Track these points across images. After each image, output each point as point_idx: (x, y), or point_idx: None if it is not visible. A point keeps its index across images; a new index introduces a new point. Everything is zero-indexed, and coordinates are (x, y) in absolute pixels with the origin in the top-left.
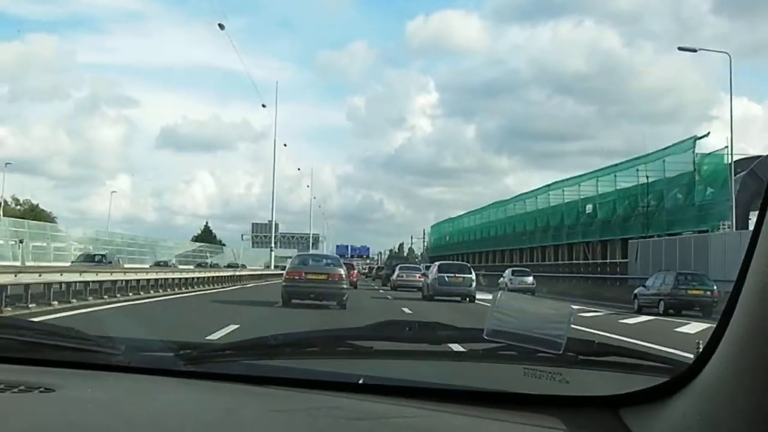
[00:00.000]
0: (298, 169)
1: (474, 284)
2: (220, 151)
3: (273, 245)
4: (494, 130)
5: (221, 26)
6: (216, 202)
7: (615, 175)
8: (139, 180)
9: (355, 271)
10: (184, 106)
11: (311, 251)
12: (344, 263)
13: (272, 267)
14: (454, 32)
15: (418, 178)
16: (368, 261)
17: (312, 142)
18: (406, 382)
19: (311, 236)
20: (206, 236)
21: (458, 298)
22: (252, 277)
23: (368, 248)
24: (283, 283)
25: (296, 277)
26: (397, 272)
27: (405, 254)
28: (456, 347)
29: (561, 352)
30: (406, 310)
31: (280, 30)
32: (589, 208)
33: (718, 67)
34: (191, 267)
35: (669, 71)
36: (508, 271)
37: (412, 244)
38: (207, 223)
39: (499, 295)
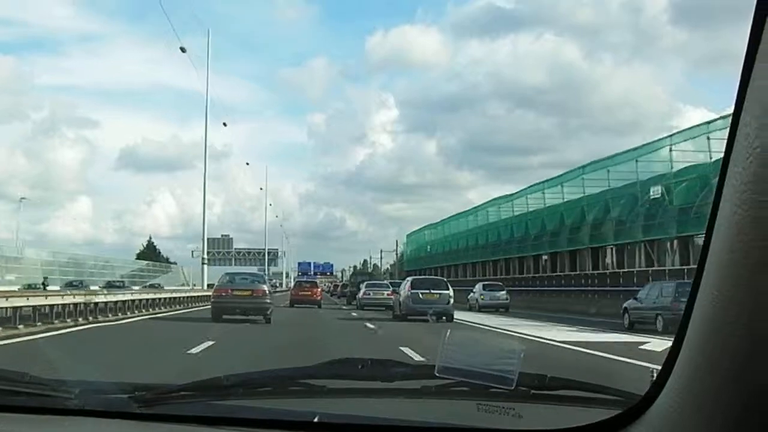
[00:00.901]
0: (260, 189)
1: (451, 301)
2: (180, 171)
3: (204, 257)
4: (456, 145)
5: (183, 49)
6: (177, 222)
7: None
8: (100, 201)
9: (318, 289)
10: (144, 127)
11: (242, 271)
12: (307, 281)
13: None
14: (413, 47)
15: (380, 194)
16: (333, 278)
17: (273, 161)
18: (361, 419)
19: (266, 252)
20: (150, 254)
21: (432, 318)
22: (194, 299)
23: (332, 265)
24: (212, 300)
25: (223, 294)
26: (363, 290)
27: (370, 270)
28: (410, 384)
29: (513, 387)
30: (378, 331)
31: (239, 48)
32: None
33: (676, 77)
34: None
35: (628, 83)
36: (478, 286)
37: (381, 258)
38: (150, 238)
39: (449, 332)
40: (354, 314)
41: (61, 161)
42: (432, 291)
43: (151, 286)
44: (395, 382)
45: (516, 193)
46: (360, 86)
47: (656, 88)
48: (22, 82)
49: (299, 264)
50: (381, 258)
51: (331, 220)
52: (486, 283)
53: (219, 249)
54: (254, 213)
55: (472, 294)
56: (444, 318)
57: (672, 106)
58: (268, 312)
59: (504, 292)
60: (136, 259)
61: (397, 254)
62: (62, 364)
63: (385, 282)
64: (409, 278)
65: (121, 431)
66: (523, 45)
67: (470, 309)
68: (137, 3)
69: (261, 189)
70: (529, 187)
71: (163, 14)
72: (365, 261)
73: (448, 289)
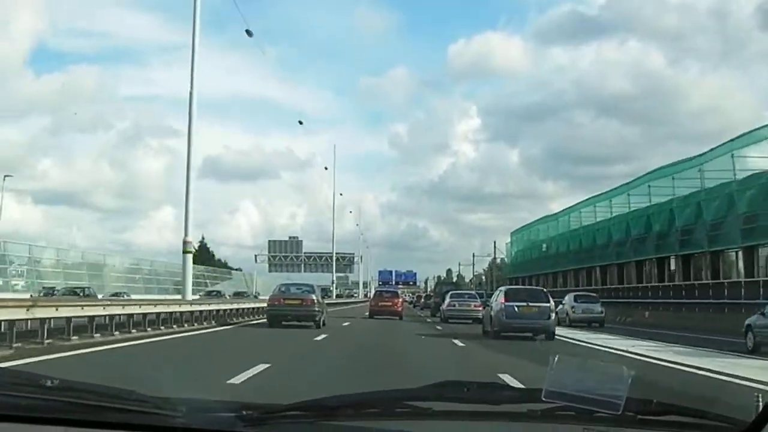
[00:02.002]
0: (341, 194)
1: (553, 316)
2: (263, 180)
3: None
4: (538, 155)
5: (249, 33)
6: (259, 232)
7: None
8: (183, 210)
9: (400, 300)
10: (227, 136)
11: (296, 282)
12: (388, 291)
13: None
14: (495, 55)
15: (463, 204)
16: (415, 288)
17: (354, 171)
18: None
19: (333, 256)
20: (203, 256)
21: (529, 335)
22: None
23: (415, 274)
24: (267, 308)
25: (276, 303)
26: (447, 300)
27: (454, 280)
28: (515, 407)
29: (619, 412)
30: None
31: (320, 57)
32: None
33: (766, 85)
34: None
35: (715, 90)
36: (569, 297)
37: (472, 266)
38: (203, 239)
39: (557, 357)
40: (438, 328)
41: (144, 170)
42: (530, 303)
43: (210, 294)
44: (501, 405)
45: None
46: (442, 95)
47: (744, 96)
48: (105, 91)
49: (380, 272)
50: (473, 265)
51: (413, 230)
52: (578, 293)
53: (286, 253)
54: (337, 222)
55: (561, 306)
56: (543, 336)
57: (760, 114)
58: (317, 318)
59: (599, 305)
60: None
61: (494, 259)
62: None
63: (473, 292)
64: (503, 288)
65: None
66: (607, 52)
67: (559, 323)
68: (218, 13)
69: (341, 195)
70: (633, 180)
71: (244, 23)
72: (449, 270)
73: (548, 302)
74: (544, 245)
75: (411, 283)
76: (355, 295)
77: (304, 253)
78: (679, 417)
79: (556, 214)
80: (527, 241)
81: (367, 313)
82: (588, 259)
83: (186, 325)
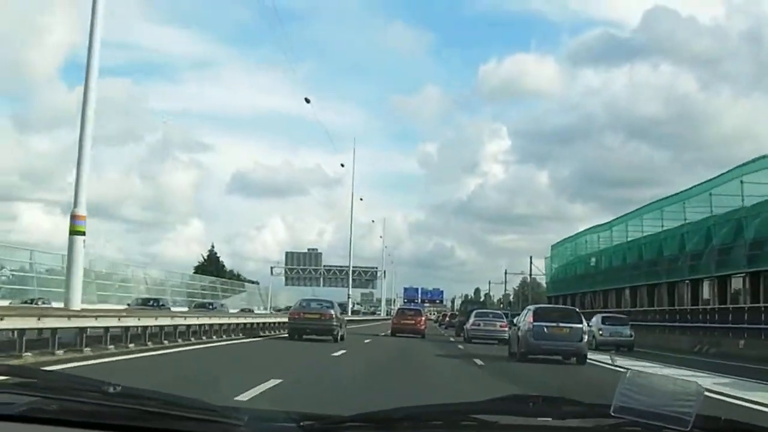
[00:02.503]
0: (372, 221)
1: (585, 338)
2: (292, 196)
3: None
4: (568, 177)
5: (307, 100)
6: (285, 248)
7: None
8: (211, 224)
9: (423, 318)
10: (256, 152)
11: (316, 298)
12: (411, 308)
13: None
14: (527, 76)
15: (490, 224)
16: (442, 307)
17: (383, 189)
18: None
19: (350, 270)
20: (211, 267)
21: (559, 357)
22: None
23: (442, 292)
24: (288, 321)
25: (296, 317)
26: (472, 320)
27: (482, 299)
28: (582, 422)
29: (689, 429)
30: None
31: (350, 74)
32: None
33: None
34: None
35: (747, 115)
36: (596, 319)
37: (489, 290)
38: (212, 247)
39: (628, 373)
40: (460, 347)
41: (174, 184)
42: (560, 324)
43: (204, 306)
44: (567, 420)
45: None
46: (472, 115)
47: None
48: (136, 104)
49: (405, 290)
50: (504, 283)
51: (440, 249)
52: (605, 315)
53: (304, 266)
54: (364, 240)
55: (589, 328)
56: (575, 359)
57: None
58: (335, 332)
59: (628, 328)
60: (194, 273)
61: (528, 277)
62: None
63: (499, 311)
64: (531, 307)
65: None
66: (640, 75)
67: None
68: (250, 30)
69: (373, 221)
70: (684, 191)
71: (276, 41)
72: (477, 290)
73: (581, 323)
74: (593, 259)
75: (437, 301)
76: (378, 312)
77: (324, 266)
78: None
79: (609, 222)
80: (571, 255)
81: (389, 331)
82: (649, 275)
83: (193, 338)
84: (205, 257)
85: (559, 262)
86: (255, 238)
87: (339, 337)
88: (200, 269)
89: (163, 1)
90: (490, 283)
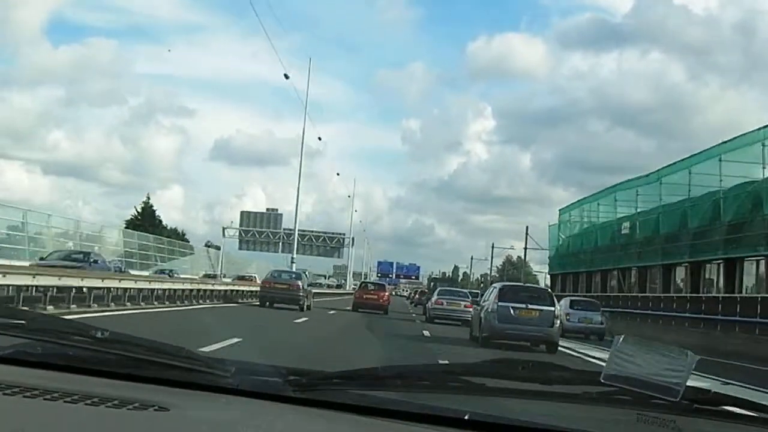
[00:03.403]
0: (348, 196)
1: (557, 323)
2: (273, 166)
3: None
4: (551, 160)
5: (286, 76)
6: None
7: None
8: (191, 191)
9: (386, 294)
10: (239, 120)
11: (285, 269)
12: (374, 283)
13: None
14: (515, 56)
15: (471, 204)
16: (418, 284)
17: (364, 163)
18: (514, 421)
19: (296, 233)
20: (146, 223)
21: (527, 343)
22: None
23: (418, 267)
24: (259, 290)
25: (267, 286)
26: (434, 297)
27: (459, 278)
28: (570, 389)
29: (677, 399)
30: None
31: (336, 49)
32: None
33: None
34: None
35: (735, 107)
36: (564, 302)
37: (470, 267)
38: (148, 199)
39: (620, 338)
40: (426, 333)
41: (155, 148)
42: (530, 306)
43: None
44: (556, 385)
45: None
46: (458, 93)
47: (764, 114)
48: (122, 66)
49: (379, 263)
50: (491, 258)
51: (419, 226)
52: (575, 299)
53: (261, 228)
54: (344, 214)
55: (560, 312)
56: (545, 346)
57: None
58: (301, 302)
59: (599, 314)
60: (125, 228)
61: (525, 251)
62: None
63: (464, 290)
64: (497, 284)
65: (276, 413)
66: (629, 61)
67: None
68: None
69: (349, 197)
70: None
71: (264, 10)
72: (455, 267)
73: (553, 305)
74: (625, 225)
75: (413, 277)
76: (341, 285)
77: (284, 229)
78: (736, 408)
79: (657, 172)
80: (588, 223)
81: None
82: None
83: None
84: (139, 210)
85: (570, 230)
86: (235, 206)
87: (305, 307)
88: (132, 224)
89: None
90: (472, 258)
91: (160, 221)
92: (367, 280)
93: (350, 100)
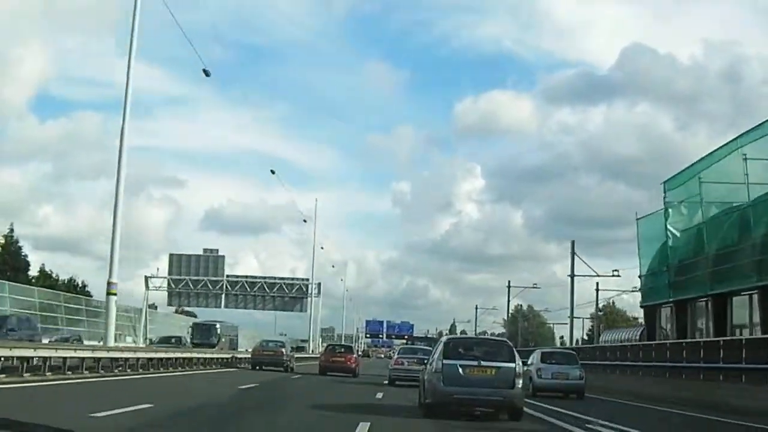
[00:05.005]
0: (333, 267)
1: (519, 382)
2: (264, 233)
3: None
4: (542, 216)
5: (273, 172)
6: None
7: None
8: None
9: (353, 356)
10: (230, 189)
11: (270, 339)
12: (341, 345)
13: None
14: (503, 114)
15: (465, 264)
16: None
17: (356, 227)
18: None
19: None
20: (5, 265)
21: (488, 409)
22: None
23: (412, 326)
24: (251, 356)
25: (257, 354)
26: (394, 357)
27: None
28: None
29: None
30: None
31: (324, 115)
32: None
33: None
34: None
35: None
36: (535, 355)
37: (476, 320)
38: (11, 231)
39: None
40: (378, 396)
41: (146, 220)
42: (482, 363)
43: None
44: None
45: None
46: (447, 154)
47: (754, 164)
48: (109, 140)
49: (368, 322)
50: (507, 304)
51: (413, 288)
52: (546, 351)
53: (197, 276)
54: (337, 280)
55: (525, 368)
56: (507, 411)
57: None
58: (285, 365)
59: (577, 368)
60: None
61: (508, 303)
62: None
63: (429, 348)
64: (445, 337)
65: None
66: (617, 114)
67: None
68: (224, 69)
69: (333, 267)
70: None
71: (249, 80)
72: (453, 325)
73: (513, 361)
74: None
75: (406, 336)
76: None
77: (227, 277)
78: None
79: None
80: (721, 203)
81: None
82: None
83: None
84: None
85: (689, 220)
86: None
87: (290, 368)
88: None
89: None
90: (477, 309)
91: (25, 256)
92: (333, 342)
93: (340, 165)
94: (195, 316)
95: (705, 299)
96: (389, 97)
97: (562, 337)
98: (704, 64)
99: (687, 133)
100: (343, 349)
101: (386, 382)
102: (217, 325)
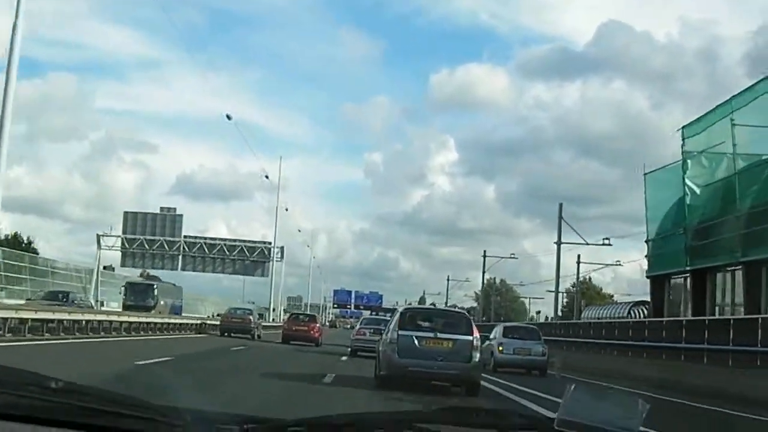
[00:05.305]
0: (299, 231)
1: (476, 356)
2: (236, 200)
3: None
4: (515, 191)
5: (228, 117)
6: None
7: None
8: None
9: (317, 325)
10: (201, 155)
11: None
12: (304, 314)
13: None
14: (478, 87)
15: (435, 237)
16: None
17: (328, 197)
18: None
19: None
20: None
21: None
22: None
23: (381, 296)
24: (220, 323)
25: (225, 321)
26: (357, 327)
27: (429, 305)
28: None
29: None
30: None
31: (299, 83)
32: None
33: None
34: None
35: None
36: (498, 330)
37: (447, 292)
38: None
39: (572, 386)
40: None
41: (117, 184)
42: (439, 335)
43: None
44: None
45: None
46: (421, 126)
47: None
48: (82, 102)
49: (335, 292)
50: (482, 275)
51: (384, 260)
52: (509, 325)
53: (153, 235)
54: (305, 249)
55: (487, 343)
56: (465, 386)
57: None
58: (252, 332)
59: (540, 345)
60: None
61: (484, 276)
62: None
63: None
64: (401, 308)
65: None
66: (592, 90)
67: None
68: (198, 33)
69: (299, 231)
70: None
71: (222, 45)
72: (422, 298)
73: (470, 333)
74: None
75: (375, 306)
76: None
77: (185, 238)
78: None
79: None
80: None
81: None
82: None
83: None
84: None
85: (711, 174)
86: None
87: (256, 336)
88: None
89: (111, 1)
90: (448, 280)
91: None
92: (296, 311)
93: (313, 133)
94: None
95: (733, 267)
96: (364, 67)
97: (538, 312)
98: (680, 43)
99: (662, 111)
100: (306, 318)
101: (347, 353)
102: (155, 286)
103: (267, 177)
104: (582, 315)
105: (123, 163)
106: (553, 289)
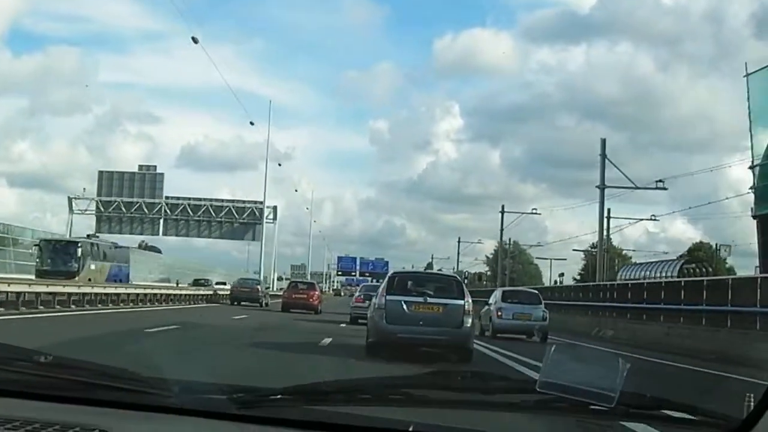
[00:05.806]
0: (295, 190)
1: (468, 321)
2: (241, 170)
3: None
4: (520, 156)
5: (195, 40)
6: None
7: None
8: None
9: (316, 293)
10: (206, 126)
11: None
12: (304, 282)
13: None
14: (482, 52)
15: (441, 203)
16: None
17: (333, 166)
18: (456, 431)
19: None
20: None
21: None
22: None
23: (387, 263)
24: (231, 292)
25: (234, 290)
26: (356, 294)
27: (433, 270)
28: (509, 398)
29: (613, 405)
30: None
31: (303, 52)
32: None
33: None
34: None
35: (704, 98)
36: (497, 294)
37: (458, 256)
38: None
39: (552, 348)
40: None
41: (122, 156)
42: (429, 300)
43: None
44: (495, 395)
45: None
46: (425, 92)
47: (733, 106)
48: (85, 75)
49: (340, 259)
50: (501, 240)
51: (390, 227)
52: (508, 290)
53: (131, 197)
54: (308, 217)
55: (486, 308)
56: (454, 352)
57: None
58: (260, 301)
59: (540, 309)
60: None
61: (499, 240)
62: None
63: None
64: (391, 272)
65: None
66: (597, 54)
67: (482, 332)
68: (201, 4)
69: (296, 191)
70: None
71: (226, 17)
72: (430, 263)
73: (462, 297)
74: None
75: (381, 274)
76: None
77: (166, 199)
78: (671, 411)
79: None
80: None
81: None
82: None
83: None
84: None
85: None
86: None
87: (264, 304)
88: None
89: None
90: (459, 241)
91: None
92: (296, 279)
93: (318, 102)
94: (159, 251)
95: None
96: (368, 33)
97: (561, 275)
98: (686, 5)
99: (668, 74)
100: (305, 286)
101: (347, 320)
102: (78, 244)
103: (252, 123)
104: (619, 275)
105: (128, 135)
106: (579, 248)
